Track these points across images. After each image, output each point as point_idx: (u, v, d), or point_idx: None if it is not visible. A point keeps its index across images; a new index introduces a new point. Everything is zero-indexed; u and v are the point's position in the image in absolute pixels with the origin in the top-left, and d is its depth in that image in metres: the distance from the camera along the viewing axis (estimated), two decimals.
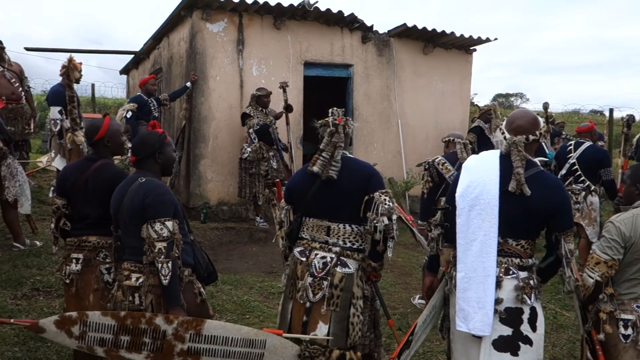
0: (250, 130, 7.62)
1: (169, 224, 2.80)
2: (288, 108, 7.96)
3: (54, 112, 6.58)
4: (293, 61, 8.64)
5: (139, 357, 2.71)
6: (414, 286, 6.04)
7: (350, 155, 3.26)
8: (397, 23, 9.22)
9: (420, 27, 9.16)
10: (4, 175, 5.56)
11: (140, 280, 2.87)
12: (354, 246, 3.14)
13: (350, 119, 3.27)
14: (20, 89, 7.48)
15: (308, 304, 3.07)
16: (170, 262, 2.75)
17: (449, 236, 2.99)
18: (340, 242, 3.12)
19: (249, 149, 7.67)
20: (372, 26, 9.12)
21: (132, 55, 12.28)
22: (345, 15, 8.59)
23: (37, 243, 6.11)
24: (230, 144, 8.23)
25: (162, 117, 8.61)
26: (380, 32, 9.35)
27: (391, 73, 9.46)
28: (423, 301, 5.38)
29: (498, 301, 2.70)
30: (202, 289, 3.06)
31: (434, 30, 9.27)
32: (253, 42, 8.35)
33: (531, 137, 2.83)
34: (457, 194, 2.86)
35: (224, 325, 2.82)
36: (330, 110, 3.24)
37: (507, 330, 2.71)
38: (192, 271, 3.02)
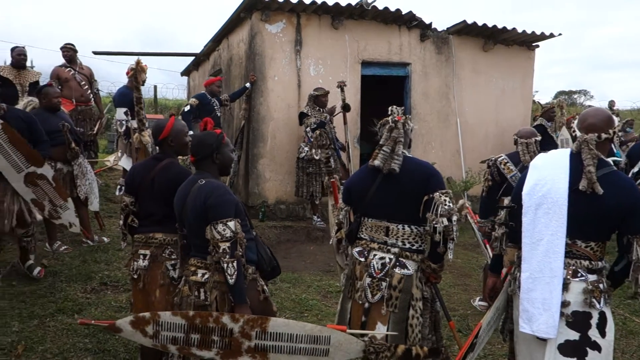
0: (308, 129, 7.67)
1: (231, 224, 2.86)
2: (346, 107, 7.97)
3: (120, 113, 6.82)
4: (350, 60, 8.64)
5: (210, 354, 2.79)
6: (474, 288, 5.94)
7: (410, 155, 3.23)
8: (456, 20, 9.08)
9: (480, 23, 8.98)
10: (76, 174, 5.82)
11: (206, 276, 2.94)
12: (413, 247, 3.11)
13: (409, 116, 3.24)
14: (89, 91, 7.82)
15: (367, 305, 3.07)
16: (235, 261, 2.81)
17: (513, 236, 2.93)
18: (399, 243, 3.10)
19: (306, 148, 7.73)
20: (430, 24, 9.01)
21: (193, 57, 12.58)
22: (404, 13, 8.52)
23: (105, 239, 6.36)
24: (288, 144, 8.31)
25: (222, 117, 8.77)
26: (439, 29, 9.23)
27: (450, 71, 9.32)
28: (483, 303, 5.27)
29: (565, 304, 2.62)
30: (265, 286, 3.11)
31: (494, 26, 9.07)
32: (311, 42, 8.40)
33: (604, 136, 2.73)
34: (523, 192, 2.79)
35: (288, 322, 2.86)
36: (389, 108, 3.22)
37: (574, 335, 2.62)
38: (255, 269, 3.07)
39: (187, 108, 7.36)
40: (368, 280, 3.08)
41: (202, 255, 2.97)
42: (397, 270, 3.05)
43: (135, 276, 3.42)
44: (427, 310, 3.12)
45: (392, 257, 3.07)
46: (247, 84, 8.13)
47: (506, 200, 3.39)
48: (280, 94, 8.29)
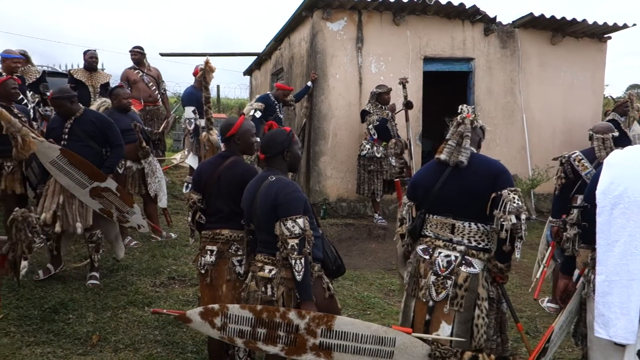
0: (370, 127, 7.65)
1: (300, 221, 2.89)
2: (408, 104, 7.89)
3: (189, 112, 6.99)
4: (412, 57, 8.54)
5: (275, 350, 2.83)
6: (542, 288, 5.75)
7: (479, 153, 3.18)
8: (522, 13, 8.78)
9: (548, 15, 8.68)
10: (146, 172, 6.03)
11: (273, 272, 2.98)
12: (480, 245, 3.04)
13: (478, 114, 3.18)
14: (157, 92, 8.08)
15: (431, 303, 3.03)
16: (303, 258, 2.84)
17: (587, 236, 2.82)
18: (465, 241, 3.04)
19: (367, 146, 7.70)
20: (495, 17, 8.78)
21: (255, 57, 12.77)
22: (467, 7, 8.34)
23: (173, 235, 6.55)
24: (349, 141, 8.31)
25: (284, 117, 8.86)
26: (504, 23, 8.98)
27: (515, 65, 9.06)
28: (552, 304, 5.11)
29: None
30: (330, 284, 3.13)
31: (563, 18, 8.74)
32: (372, 39, 8.36)
33: None
34: (597, 191, 2.67)
35: (354, 321, 2.86)
36: (460, 107, 3.18)
37: None
38: (321, 266, 3.09)
39: (257, 114, 7.45)
40: (433, 278, 3.03)
41: (269, 251, 3.02)
42: (463, 268, 2.99)
43: (203, 271, 3.50)
44: (492, 311, 3.04)
45: (457, 255, 3.02)
46: (309, 83, 8.19)
47: (579, 199, 3.28)
48: (342, 91, 8.29)
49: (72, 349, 4.06)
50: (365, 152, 7.72)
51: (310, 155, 8.33)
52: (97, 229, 5.13)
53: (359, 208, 8.41)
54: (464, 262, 3.01)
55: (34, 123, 5.94)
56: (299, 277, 2.83)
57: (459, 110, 3.16)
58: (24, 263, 3.25)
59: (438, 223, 3.13)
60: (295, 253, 2.83)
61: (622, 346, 2.54)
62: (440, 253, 3.07)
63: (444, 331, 2.97)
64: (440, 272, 3.02)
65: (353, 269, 6.22)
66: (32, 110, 6.66)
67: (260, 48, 11.96)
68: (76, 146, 5.01)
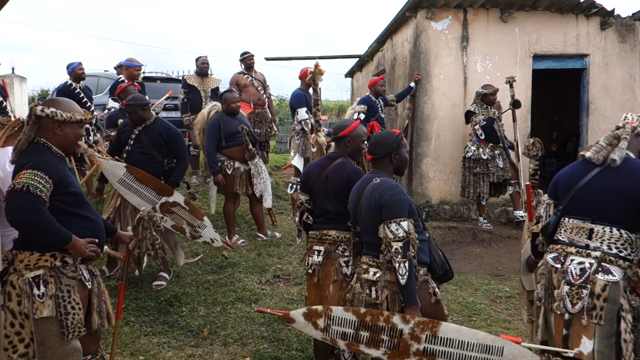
0: (477, 127, 7.44)
1: (404, 224, 2.87)
2: (515, 104, 7.59)
3: (302, 113, 7.15)
4: (521, 54, 8.20)
5: (377, 353, 2.83)
6: None
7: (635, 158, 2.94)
8: None
9: None
10: (253, 173, 6.25)
11: (378, 275, 2.98)
12: (621, 254, 2.78)
13: None
14: (265, 95, 8.36)
15: (567, 316, 2.80)
16: (407, 261, 2.82)
17: None
18: (605, 247, 2.80)
19: (473, 147, 7.50)
20: (612, 10, 8.23)
21: (356, 59, 12.83)
22: (582, 1, 7.89)
23: (277, 234, 6.74)
24: (453, 143, 8.14)
25: (385, 117, 8.83)
26: (623, 16, 8.39)
27: (636, 61, 8.43)
28: None
29: None
30: (436, 289, 3.07)
31: None
32: (478, 37, 8.13)
33: None
34: None
35: (460, 329, 2.80)
36: (624, 115, 3.00)
37: None
38: (427, 271, 3.05)
39: (361, 116, 7.50)
40: (566, 288, 2.81)
41: (374, 253, 3.02)
42: (599, 276, 2.75)
43: (310, 271, 3.57)
44: (636, 325, 2.77)
45: (592, 261, 2.78)
46: (412, 84, 8.11)
47: None
48: (446, 92, 8.13)
49: (185, 340, 4.30)
50: (470, 153, 7.52)
51: (413, 157, 8.24)
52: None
53: (462, 211, 8.20)
54: (600, 269, 2.77)
55: None
56: (402, 281, 2.81)
57: (623, 118, 2.98)
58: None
59: (574, 227, 2.91)
60: (399, 256, 2.82)
61: None
62: (572, 260, 2.85)
63: (585, 347, 2.73)
64: (573, 281, 2.80)
65: (457, 273, 6.00)
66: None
67: (360, 50, 12.02)
68: (137, 154, 5.11)
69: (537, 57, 8.28)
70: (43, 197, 2.61)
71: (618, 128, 2.92)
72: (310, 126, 6.98)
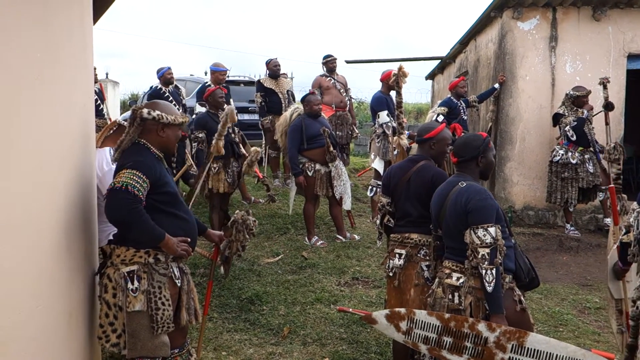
0: (567, 128, 7.13)
1: (492, 230, 2.80)
2: (608, 106, 7.19)
3: (384, 116, 7.15)
4: (614, 54, 7.79)
5: None
6: None
7: None
8: None
9: None
10: (333, 175, 6.29)
11: (461, 280, 2.93)
12: None
13: None
14: (346, 97, 8.40)
15: None
16: (494, 268, 2.75)
17: None
18: None
19: (561, 151, 7.20)
20: None
21: (438, 61, 12.64)
22: None
23: (356, 237, 6.74)
24: (539, 146, 7.84)
25: (468, 120, 8.65)
26: None
27: None
28: None
29: None
30: (522, 297, 2.98)
31: None
32: (567, 37, 7.80)
33: None
34: None
35: (549, 340, 2.69)
36: None
37: None
38: (512, 278, 2.96)
39: (439, 118, 7.39)
40: None
41: (457, 258, 2.97)
42: None
43: (391, 274, 3.56)
44: None
45: None
46: (496, 85, 7.89)
47: None
48: (532, 94, 7.85)
49: (265, 338, 4.39)
50: (558, 157, 7.21)
51: (496, 160, 7.98)
52: None
53: (547, 217, 7.89)
54: None
55: (237, 129, 6.51)
56: (489, 288, 2.74)
57: None
58: None
59: None
60: (486, 263, 2.75)
61: None
62: None
63: None
64: None
65: (543, 282, 5.78)
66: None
67: (440, 52, 11.82)
68: None
69: (631, 57, 7.84)
70: (140, 196, 2.74)
71: None
72: (391, 129, 6.94)
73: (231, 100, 7.82)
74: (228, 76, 8.43)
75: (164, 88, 7.95)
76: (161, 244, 2.83)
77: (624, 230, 3.07)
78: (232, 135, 6.05)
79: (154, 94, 7.86)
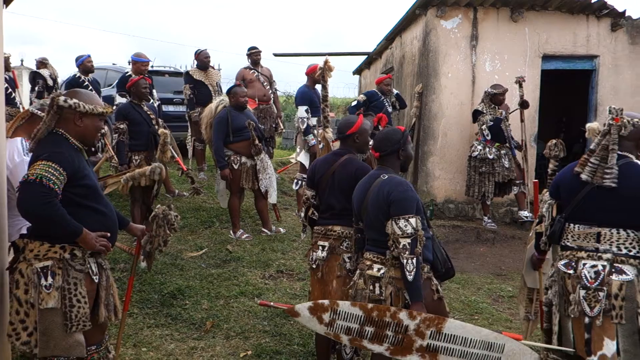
0: (484, 127, 7.43)
1: (413, 220, 2.87)
2: (523, 104, 7.56)
3: (301, 111, 7.15)
4: (530, 54, 8.17)
5: (380, 349, 2.83)
6: None
7: (638, 162, 2.91)
8: None
9: None
10: (258, 169, 6.25)
11: (382, 271, 2.98)
12: (631, 253, 2.82)
13: (635, 119, 2.89)
14: (270, 91, 8.34)
15: (587, 320, 2.82)
16: (414, 258, 2.82)
17: None
18: (614, 249, 2.83)
19: (479, 147, 7.49)
20: (624, 12, 8.17)
21: (365, 57, 12.81)
22: (593, 1, 7.85)
23: (281, 230, 6.74)
24: (459, 142, 8.12)
25: (393, 114, 8.81)
26: (634, 17, 8.34)
27: None
28: None
29: None
30: (439, 286, 3.08)
31: None
32: (487, 36, 8.11)
33: None
34: None
35: (465, 325, 2.80)
36: (608, 107, 2.94)
37: None
38: (430, 268, 3.05)
39: (354, 103, 7.51)
40: (582, 292, 2.83)
41: (378, 250, 3.02)
42: (614, 277, 2.79)
43: (314, 266, 3.58)
44: None
45: (605, 263, 2.82)
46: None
47: None
48: (454, 90, 8.11)
49: (187, 333, 4.31)
50: (476, 153, 7.51)
51: (419, 155, 8.23)
52: None
53: (467, 210, 8.19)
54: (613, 270, 2.80)
55: (160, 120, 6.34)
56: (410, 277, 2.81)
57: (608, 111, 2.90)
58: None
59: (581, 234, 2.94)
60: (407, 253, 2.81)
61: None
62: (585, 265, 2.87)
63: (609, 349, 2.76)
64: (589, 285, 2.82)
65: (460, 272, 6.05)
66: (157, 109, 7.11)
67: (368, 47, 12.00)
68: None
69: (546, 58, 8.25)
70: (55, 190, 2.60)
71: (604, 134, 2.86)
72: (306, 124, 6.97)
73: (154, 91, 7.58)
74: (152, 66, 8.18)
75: (82, 77, 7.62)
76: (78, 239, 2.70)
77: (537, 221, 3.24)
78: (156, 126, 5.88)
79: (72, 83, 7.52)
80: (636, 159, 2.90)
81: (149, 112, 5.91)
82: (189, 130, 8.34)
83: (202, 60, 8.26)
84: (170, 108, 9.42)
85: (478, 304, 5.12)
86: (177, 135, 8.32)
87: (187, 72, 8.41)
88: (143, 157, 5.81)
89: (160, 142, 5.49)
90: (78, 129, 2.82)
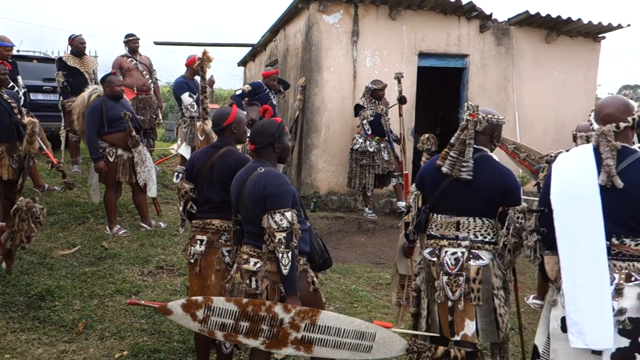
0: (365, 122, 7.66)
1: (288, 214, 2.89)
2: (402, 100, 7.88)
3: (186, 97, 6.93)
4: (407, 52, 8.53)
5: (255, 343, 2.83)
6: (528, 285, 5.81)
7: (491, 155, 3.13)
8: (518, 10, 8.77)
9: (543, 14, 8.68)
10: (136, 161, 6.00)
11: (258, 265, 2.98)
12: (485, 239, 3.07)
13: (492, 115, 3.10)
14: (150, 80, 8.03)
15: (450, 303, 3.02)
16: (290, 252, 2.84)
17: (549, 242, 2.71)
18: (471, 236, 3.06)
19: (360, 140, 7.71)
20: (491, 14, 8.77)
21: (250, 48, 12.72)
22: (464, 3, 8.33)
23: (162, 224, 6.54)
24: (342, 135, 8.31)
25: (277, 107, 8.83)
26: (500, 20, 8.98)
27: (509, 63, 9.07)
28: (538, 301, 5.16)
29: (621, 311, 2.44)
30: (315, 278, 3.13)
31: (558, 17, 8.74)
32: (368, 33, 8.35)
33: (622, 125, 2.57)
34: (551, 195, 2.62)
35: (338, 316, 2.87)
36: (465, 104, 3.13)
37: (625, 342, 2.44)
38: (306, 260, 3.09)
39: (238, 92, 7.43)
40: (445, 278, 3.04)
41: (255, 243, 3.02)
42: (472, 262, 3.02)
43: (192, 260, 3.50)
44: (507, 300, 3.10)
45: (463, 250, 3.04)
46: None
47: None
48: (336, 85, 8.28)
49: (57, 336, 4.06)
50: (357, 146, 7.72)
51: (302, 148, 8.33)
52: None
53: (349, 201, 8.42)
54: (471, 256, 3.03)
55: (23, 109, 5.88)
56: (285, 271, 2.83)
57: (465, 107, 3.09)
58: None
59: (443, 223, 3.14)
60: (282, 247, 2.83)
61: (596, 352, 2.48)
62: (446, 252, 3.08)
63: (469, 329, 2.98)
64: (450, 271, 3.03)
65: (342, 262, 6.23)
66: (23, 96, 6.61)
67: (254, 39, 11.94)
68: None
69: (422, 55, 8.66)
70: None
71: (463, 129, 3.05)
72: (196, 108, 6.82)
73: (19, 77, 7.02)
74: (18, 51, 7.55)
75: None
76: None
77: (405, 211, 3.41)
78: (19, 115, 5.44)
79: None
80: (490, 152, 3.13)
81: (9, 100, 5.43)
82: (62, 120, 7.82)
83: (77, 46, 7.75)
84: (40, 96, 8.79)
85: (358, 292, 5.28)
86: (48, 126, 7.79)
87: (60, 59, 7.86)
88: (5, 148, 5.34)
89: (27, 132, 5.11)
90: None
